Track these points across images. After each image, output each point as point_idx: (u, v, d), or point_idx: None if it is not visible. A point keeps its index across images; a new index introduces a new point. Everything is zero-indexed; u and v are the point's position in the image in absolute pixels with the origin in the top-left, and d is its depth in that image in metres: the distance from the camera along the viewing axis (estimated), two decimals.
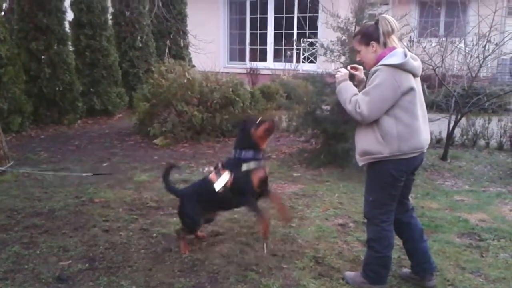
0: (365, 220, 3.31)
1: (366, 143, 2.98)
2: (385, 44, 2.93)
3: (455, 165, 6.51)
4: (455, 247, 3.84)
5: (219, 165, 3.65)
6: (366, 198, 3.15)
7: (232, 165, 3.57)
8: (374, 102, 2.84)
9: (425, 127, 3.02)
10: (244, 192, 3.54)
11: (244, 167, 3.50)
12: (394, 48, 2.93)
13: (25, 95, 8.53)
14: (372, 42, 2.95)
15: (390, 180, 2.98)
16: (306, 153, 6.78)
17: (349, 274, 3.31)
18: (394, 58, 2.86)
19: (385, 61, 2.87)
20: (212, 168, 3.79)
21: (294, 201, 4.98)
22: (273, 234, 4.05)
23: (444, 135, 7.05)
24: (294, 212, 4.63)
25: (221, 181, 3.53)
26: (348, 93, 3.00)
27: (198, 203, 3.68)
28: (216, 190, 3.52)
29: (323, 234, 4.09)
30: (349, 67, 3.19)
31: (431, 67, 6.85)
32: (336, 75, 3.13)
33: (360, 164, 3.06)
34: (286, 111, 7.98)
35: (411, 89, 2.87)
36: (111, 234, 4.06)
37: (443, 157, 6.69)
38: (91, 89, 10.02)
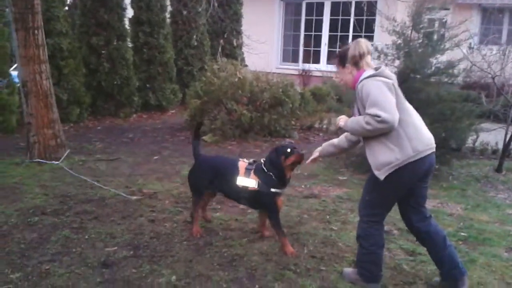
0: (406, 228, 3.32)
1: (380, 156, 2.95)
2: (356, 66, 3.05)
3: (510, 177, 6.24)
4: (502, 261, 3.69)
5: (254, 166, 3.73)
6: (363, 196, 3.23)
7: (263, 179, 3.66)
8: (385, 104, 2.82)
9: (424, 125, 3.07)
10: (270, 209, 3.75)
11: (273, 190, 3.64)
12: (363, 70, 3.03)
13: (84, 87, 8.95)
14: (347, 64, 3.10)
15: (398, 189, 3.04)
16: (353, 157, 6.69)
17: (346, 270, 3.40)
18: (368, 72, 3.00)
19: (363, 76, 2.99)
20: (246, 160, 3.87)
21: (337, 204, 4.95)
22: (313, 235, 4.06)
23: (500, 146, 6.77)
24: (337, 216, 4.60)
25: (246, 181, 3.69)
26: (359, 120, 2.96)
27: (209, 177, 3.87)
28: (237, 183, 3.69)
29: None
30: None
31: (489, 76, 6.61)
32: (339, 124, 3.19)
33: (382, 177, 2.97)
34: (336, 114, 7.91)
35: (397, 90, 2.97)
36: (156, 224, 4.20)
37: (498, 169, 6.43)
38: (147, 85, 10.38)
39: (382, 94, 2.87)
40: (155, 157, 6.77)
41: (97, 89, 9.43)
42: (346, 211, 4.75)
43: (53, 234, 3.91)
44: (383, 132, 2.88)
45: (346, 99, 6.88)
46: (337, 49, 15.13)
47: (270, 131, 8.17)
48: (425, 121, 3.15)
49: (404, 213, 3.26)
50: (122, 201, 4.77)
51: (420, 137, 2.96)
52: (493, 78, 6.54)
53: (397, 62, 6.52)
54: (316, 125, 9.12)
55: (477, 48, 8.27)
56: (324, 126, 9.04)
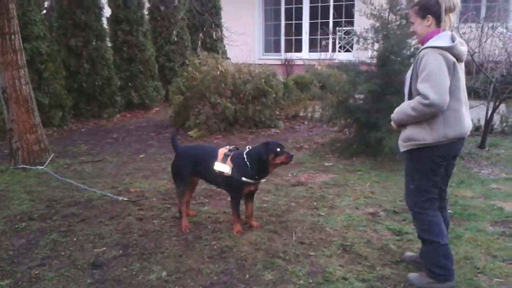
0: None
1: (411, 129, 2.91)
2: (439, 22, 2.84)
3: (493, 153, 6.32)
4: (488, 235, 3.76)
5: (232, 154, 3.83)
6: (407, 187, 3.07)
7: (237, 166, 3.76)
8: (438, 84, 2.71)
9: (467, 113, 2.94)
10: (232, 192, 3.89)
11: (244, 179, 3.73)
12: (442, 30, 2.84)
13: (66, 90, 8.85)
14: (429, 15, 2.86)
15: (432, 166, 2.93)
16: (338, 143, 6.74)
17: (413, 275, 3.13)
18: (440, 40, 2.79)
19: (432, 43, 2.80)
20: (228, 146, 3.98)
21: (324, 190, 4.99)
22: (301, 222, 4.10)
23: (482, 122, 6.84)
24: (324, 201, 4.64)
25: (221, 167, 3.79)
26: (403, 109, 2.90)
27: (192, 164, 3.98)
28: (214, 167, 3.80)
29: (352, 223, 4.08)
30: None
31: (468, 53, 6.65)
32: (393, 127, 3.11)
33: (402, 150, 2.99)
34: (320, 101, 7.95)
35: (455, 67, 2.80)
36: (144, 222, 4.20)
37: (481, 145, 6.51)
38: (129, 84, 10.30)
39: (440, 72, 2.73)
40: (141, 156, 6.75)
41: (78, 91, 9.34)
42: (333, 196, 4.79)
43: (41, 238, 3.89)
44: (430, 116, 2.79)
45: (329, 85, 6.90)
46: (320, 36, 15.15)
47: (255, 123, 8.18)
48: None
49: None
50: (109, 201, 4.76)
51: (455, 126, 2.84)
52: (471, 55, 6.59)
53: (376, 46, 6.55)
54: (301, 114, 9.15)
55: (456, 27, 8.32)
56: (309, 114, 9.06)
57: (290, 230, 3.92)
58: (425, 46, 2.83)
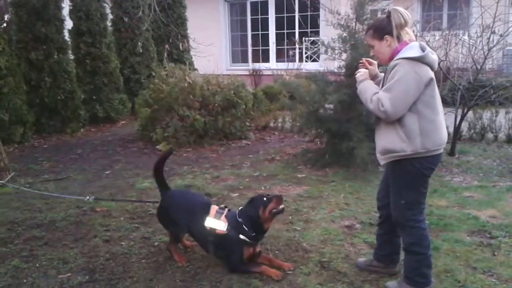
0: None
1: (388, 141, 2.85)
2: (398, 38, 2.83)
3: (463, 160, 6.36)
4: (466, 246, 3.71)
5: (226, 211, 3.46)
6: (396, 202, 2.97)
7: (233, 224, 3.35)
8: (398, 98, 2.71)
9: (443, 123, 2.91)
10: (231, 256, 3.40)
11: (242, 236, 3.33)
12: (409, 41, 2.82)
13: (27, 105, 8.48)
14: (386, 36, 2.84)
15: (419, 178, 2.87)
16: (310, 154, 6.66)
17: (391, 284, 3.14)
18: (412, 51, 2.75)
19: (403, 54, 2.76)
20: (219, 206, 3.53)
21: (299, 203, 4.87)
22: (277, 238, 3.97)
23: (451, 129, 6.87)
24: (299, 215, 4.53)
25: (214, 223, 3.36)
26: (368, 92, 2.89)
27: (181, 214, 3.53)
28: (205, 224, 3.37)
29: (329, 237, 3.98)
30: (364, 59, 3.11)
31: None
32: (356, 75, 3.06)
33: (382, 163, 2.95)
34: (290, 111, 7.89)
35: (431, 80, 2.75)
36: (112, 244, 3.97)
37: (451, 153, 6.55)
38: (93, 97, 9.98)
39: (405, 87, 2.71)
40: (107, 172, 6.48)
41: (40, 105, 8.97)
42: (307, 209, 4.68)
43: (2, 265, 3.62)
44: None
45: (299, 95, 6.83)
46: (287, 46, 15.19)
47: (226, 134, 8.04)
48: None
49: (386, 200, 3.09)
50: (74, 222, 4.51)
51: (433, 136, 2.80)
52: (438, 63, 6.64)
53: (344, 55, 6.53)
54: (271, 124, 9.07)
55: (420, 35, 8.42)
56: (279, 125, 8.99)
57: (265, 247, 3.76)
58: (397, 57, 2.78)
